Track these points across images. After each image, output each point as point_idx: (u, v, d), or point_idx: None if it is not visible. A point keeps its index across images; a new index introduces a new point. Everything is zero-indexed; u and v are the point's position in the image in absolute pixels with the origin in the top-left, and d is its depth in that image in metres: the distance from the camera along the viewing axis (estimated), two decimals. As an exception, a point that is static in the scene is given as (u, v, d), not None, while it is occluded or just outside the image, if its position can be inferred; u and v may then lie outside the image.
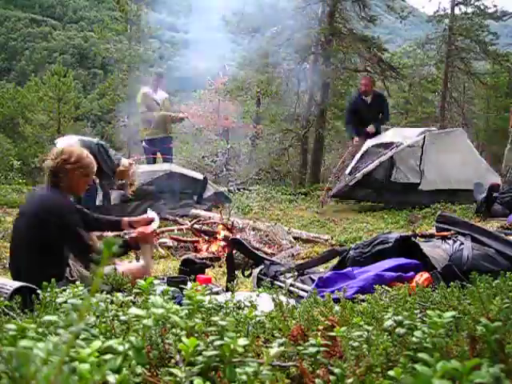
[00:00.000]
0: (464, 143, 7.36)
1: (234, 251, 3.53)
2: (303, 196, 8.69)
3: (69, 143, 5.08)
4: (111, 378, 0.60)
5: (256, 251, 3.63)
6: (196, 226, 5.12)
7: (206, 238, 4.95)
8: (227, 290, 2.66)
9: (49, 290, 1.27)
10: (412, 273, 2.45)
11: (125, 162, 5.60)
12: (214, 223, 5.22)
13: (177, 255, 4.53)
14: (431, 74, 16.89)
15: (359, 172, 6.96)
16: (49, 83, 20.77)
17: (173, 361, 0.78)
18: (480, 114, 17.04)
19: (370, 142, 7.47)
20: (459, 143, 7.21)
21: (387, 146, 7.17)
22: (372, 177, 6.98)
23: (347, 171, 7.37)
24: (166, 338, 0.82)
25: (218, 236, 4.89)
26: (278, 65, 13.37)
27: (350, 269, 2.66)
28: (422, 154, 6.99)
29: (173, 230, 5.13)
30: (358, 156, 7.42)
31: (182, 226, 5.23)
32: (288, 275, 2.82)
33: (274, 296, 1.37)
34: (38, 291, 1.32)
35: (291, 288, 2.59)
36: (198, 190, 6.88)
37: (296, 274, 2.86)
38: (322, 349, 0.85)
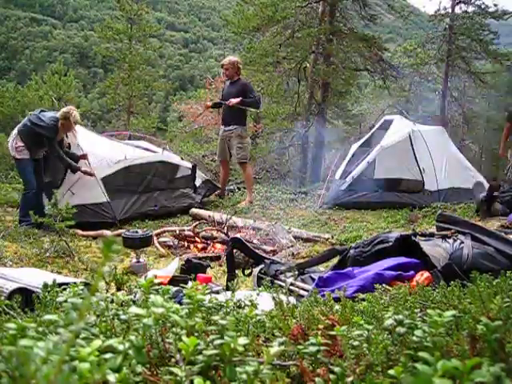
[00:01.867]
0: (445, 141, 7.36)
1: (234, 250, 3.53)
2: (303, 195, 8.68)
3: (12, 136, 5.37)
4: (111, 377, 0.60)
5: (256, 250, 3.64)
6: (196, 229, 5.14)
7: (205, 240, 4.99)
8: (227, 289, 2.66)
9: (49, 289, 1.27)
10: (412, 272, 2.45)
11: (64, 110, 5.35)
12: (217, 229, 5.23)
13: (177, 254, 4.54)
14: (432, 73, 16.87)
15: (349, 175, 6.91)
16: (49, 82, 20.78)
17: (173, 360, 0.78)
18: (480, 113, 17.05)
19: (355, 145, 7.45)
20: (441, 141, 7.21)
21: (372, 144, 7.14)
22: (361, 178, 6.92)
23: (337, 176, 7.34)
24: (167, 337, 0.82)
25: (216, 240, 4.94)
26: (279, 64, 13.37)
27: (350, 269, 2.66)
28: (413, 152, 6.87)
29: (174, 231, 5.14)
30: (346, 160, 7.38)
31: (183, 227, 5.24)
32: (288, 274, 2.82)
33: (275, 295, 1.37)
34: (37, 291, 1.33)
35: (291, 287, 2.59)
36: (190, 178, 6.76)
37: (296, 273, 2.86)
38: (322, 348, 0.85)
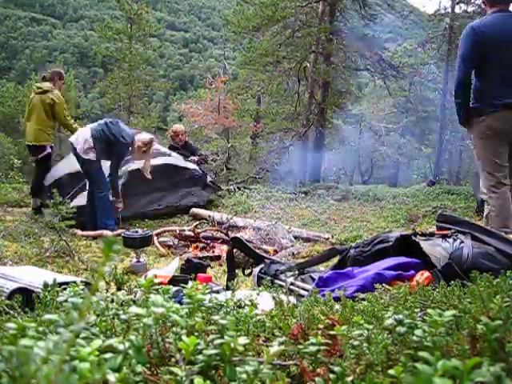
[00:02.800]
0: None
1: (234, 250, 3.52)
2: (303, 195, 8.69)
3: (84, 136, 5.11)
4: (111, 376, 0.60)
5: (256, 250, 3.63)
6: (196, 229, 5.15)
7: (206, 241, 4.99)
8: (227, 288, 2.66)
9: (49, 289, 1.27)
10: (412, 271, 2.44)
11: (144, 136, 5.20)
12: (217, 229, 5.23)
13: (177, 254, 4.54)
14: (432, 73, 16.85)
15: None
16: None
17: (173, 360, 0.78)
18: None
19: None
20: None
21: None
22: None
23: None
24: (167, 337, 0.82)
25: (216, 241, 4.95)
26: (279, 63, 13.36)
27: (350, 268, 2.66)
28: None
29: (174, 231, 5.14)
30: None
31: (184, 228, 5.25)
32: (288, 274, 2.82)
33: (275, 295, 1.37)
34: (37, 291, 1.32)
35: (291, 287, 2.59)
36: (197, 177, 6.77)
37: (296, 272, 2.85)
38: (322, 347, 0.85)
